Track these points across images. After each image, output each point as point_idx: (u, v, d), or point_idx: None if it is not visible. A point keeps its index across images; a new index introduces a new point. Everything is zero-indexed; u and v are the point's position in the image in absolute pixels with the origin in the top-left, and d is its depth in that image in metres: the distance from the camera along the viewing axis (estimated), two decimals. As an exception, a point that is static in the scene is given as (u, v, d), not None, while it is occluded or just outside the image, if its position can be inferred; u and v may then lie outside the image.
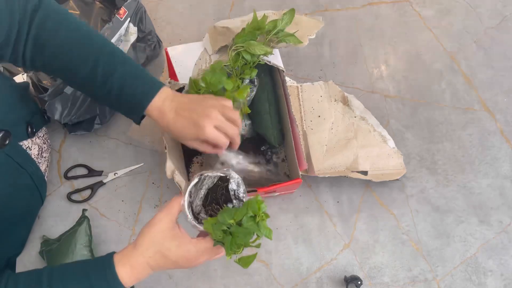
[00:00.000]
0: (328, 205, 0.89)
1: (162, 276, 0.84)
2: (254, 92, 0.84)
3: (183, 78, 0.86)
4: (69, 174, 0.91)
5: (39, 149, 0.83)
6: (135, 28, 0.91)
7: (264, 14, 0.81)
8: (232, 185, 0.62)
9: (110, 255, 0.57)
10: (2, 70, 0.91)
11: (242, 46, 0.78)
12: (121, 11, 0.88)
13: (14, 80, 0.89)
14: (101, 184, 0.90)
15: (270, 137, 0.85)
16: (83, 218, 0.82)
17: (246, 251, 0.60)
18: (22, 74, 0.90)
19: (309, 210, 0.89)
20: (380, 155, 0.89)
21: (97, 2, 0.90)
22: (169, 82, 0.82)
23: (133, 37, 0.91)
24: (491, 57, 1.03)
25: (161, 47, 1.01)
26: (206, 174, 0.63)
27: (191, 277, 0.84)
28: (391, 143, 0.91)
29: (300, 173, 0.78)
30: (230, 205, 0.62)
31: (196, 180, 0.62)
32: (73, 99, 0.87)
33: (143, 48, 0.96)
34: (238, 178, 0.62)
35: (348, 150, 0.88)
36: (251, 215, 0.58)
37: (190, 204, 0.63)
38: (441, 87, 1.00)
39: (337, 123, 0.91)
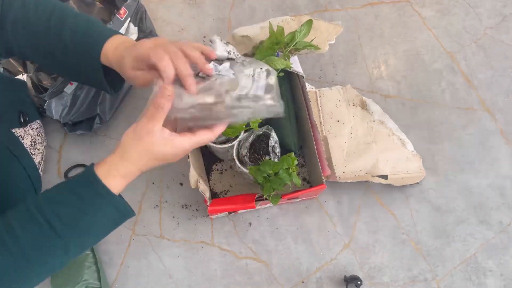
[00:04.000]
0: (328, 205, 0.89)
1: (162, 276, 0.84)
2: None
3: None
4: (69, 174, 0.91)
5: (32, 140, 0.83)
6: (136, 28, 0.92)
7: (279, 26, 0.80)
8: (271, 142, 0.79)
9: (91, 172, 0.55)
10: (2, 71, 0.91)
11: None
12: (122, 11, 0.88)
13: (7, 74, 0.89)
14: (101, 184, 0.90)
15: (289, 143, 0.85)
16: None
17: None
18: (22, 75, 0.90)
19: (309, 210, 0.89)
20: (399, 159, 0.89)
21: (98, 2, 0.90)
22: None
23: (133, 37, 0.92)
24: (491, 57, 1.03)
25: (161, 47, 1.01)
26: (253, 130, 0.78)
27: (191, 277, 0.84)
28: (410, 146, 0.91)
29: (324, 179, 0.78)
30: (267, 157, 0.79)
31: (246, 133, 0.80)
32: (72, 99, 0.87)
33: (143, 48, 0.96)
34: (276, 138, 0.79)
35: (368, 154, 0.89)
36: (286, 168, 0.74)
37: (238, 150, 0.80)
38: (441, 87, 1.00)
39: (356, 128, 0.92)
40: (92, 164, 0.56)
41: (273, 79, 0.60)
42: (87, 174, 0.55)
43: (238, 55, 0.62)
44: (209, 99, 0.55)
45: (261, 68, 0.60)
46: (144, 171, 0.57)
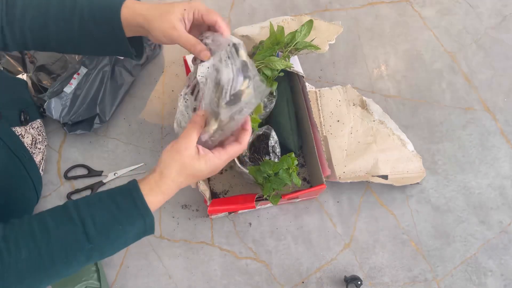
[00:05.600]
0: (328, 205, 0.89)
1: (162, 276, 0.84)
2: (273, 104, 0.84)
3: None
4: (69, 174, 0.91)
5: (32, 139, 0.83)
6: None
7: (279, 25, 0.80)
8: (271, 142, 0.80)
9: (135, 185, 0.57)
10: (2, 69, 0.91)
11: (263, 63, 0.78)
12: (121, 11, 0.87)
13: (7, 73, 0.89)
14: (101, 184, 0.90)
15: (290, 143, 0.85)
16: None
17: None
18: (22, 74, 0.90)
19: (309, 210, 0.89)
20: (399, 158, 0.89)
21: (97, 2, 0.90)
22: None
23: (133, 37, 0.91)
24: (491, 57, 1.03)
25: (160, 47, 1.01)
26: (253, 130, 0.76)
27: (191, 277, 0.84)
28: (410, 146, 0.91)
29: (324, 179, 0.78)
30: (267, 157, 0.79)
31: None
32: (72, 99, 0.87)
33: (143, 48, 0.95)
34: (276, 138, 0.80)
35: (368, 154, 0.89)
36: (286, 168, 0.73)
37: None
38: (441, 87, 1.00)
39: (356, 128, 0.92)
40: (135, 180, 0.58)
41: (243, 54, 0.61)
42: (130, 187, 0.57)
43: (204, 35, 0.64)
44: (214, 126, 0.60)
45: (228, 45, 0.61)
46: (182, 186, 0.60)
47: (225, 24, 0.63)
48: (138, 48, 0.70)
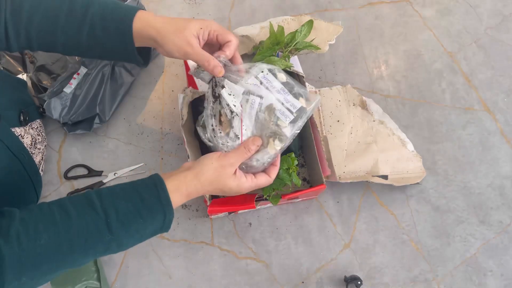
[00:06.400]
0: (328, 205, 0.89)
1: (162, 276, 0.84)
2: None
3: (203, 86, 0.85)
4: (69, 174, 0.91)
5: (32, 139, 0.83)
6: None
7: (279, 25, 0.80)
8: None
9: (160, 180, 0.57)
10: (1, 69, 0.91)
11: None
12: (121, 11, 0.87)
13: (7, 73, 0.89)
14: (101, 184, 0.90)
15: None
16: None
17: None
18: (22, 74, 0.90)
19: (309, 210, 0.89)
20: (399, 158, 0.89)
21: (97, 2, 0.90)
22: (190, 91, 0.81)
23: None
24: (491, 57, 1.03)
25: (161, 47, 1.01)
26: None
27: (191, 277, 0.84)
28: (410, 146, 0.91)
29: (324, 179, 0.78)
30: None
31: None
32: (72, 99, 0.87)
33: (143, 48, 0.96)
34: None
35: (368, 154, 0.89)
36: (286, 168, 0.73)
37: None
38: (441, 87, 1.00)
39: (356, 128, 0.92)
40: (158, 174, 0.58)
41: (283, 76, 0.65)
42: (155, 181, 0.57)
43: (224, 61, 0.65)
44: (278, 146, 0.63)
45: (262, 71, 0.64)
46: (205, 194, 0.62)
47: (236, 45, 0.65)
48: (145, 56, 0.70)
